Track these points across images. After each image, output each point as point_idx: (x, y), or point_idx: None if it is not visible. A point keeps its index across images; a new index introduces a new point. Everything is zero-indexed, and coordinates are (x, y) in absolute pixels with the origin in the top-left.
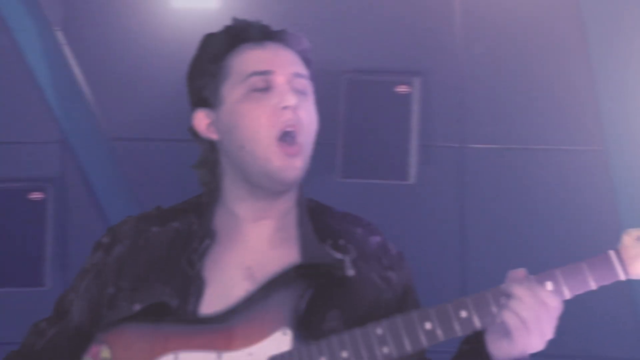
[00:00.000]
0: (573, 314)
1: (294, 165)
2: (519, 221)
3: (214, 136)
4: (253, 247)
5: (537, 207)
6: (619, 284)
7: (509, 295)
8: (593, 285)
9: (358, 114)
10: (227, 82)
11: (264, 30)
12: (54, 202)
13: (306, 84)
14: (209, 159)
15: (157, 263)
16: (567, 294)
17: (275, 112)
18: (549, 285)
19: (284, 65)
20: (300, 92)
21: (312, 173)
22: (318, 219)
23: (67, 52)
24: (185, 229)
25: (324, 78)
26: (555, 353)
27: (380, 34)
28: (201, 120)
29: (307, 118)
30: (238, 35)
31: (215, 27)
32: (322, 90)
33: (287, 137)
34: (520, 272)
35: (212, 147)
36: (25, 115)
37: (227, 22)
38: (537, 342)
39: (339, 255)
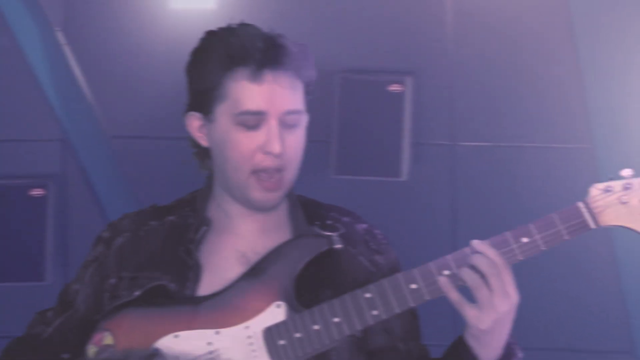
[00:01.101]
0: (562, 307)
1: (271, 197)
2: (509, 217)
3: (203, 142)
4: (246, 236)
5: (526, 203)
6: (607, 277)
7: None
8: (566, 236)
9: (352, 113)
10: (223, 105)
11: (264, 57)
12: (54, 199)
13: (298, 119)
14: (200, 152)
15: (155, 253)
16: (543, 247)
17: (259, 151)
18: (525, 240)
19: (278, 105)
20: (291, 127)
21: (306, 170)
22: (307, 208)
23: (68, 52)
24: (182, 222)
25: (319, 77)
26: (544, 346)
27: (374, 35)
28: (194, 122)
29: (292, 152)
30: (236, 57)
31: (213, 27)
32: (316, 89)
33: (268, 171)
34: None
35: (203, 148)
36: (26, 113)
37: (225, 23)
38: (502, 303)
39: (327, 233)
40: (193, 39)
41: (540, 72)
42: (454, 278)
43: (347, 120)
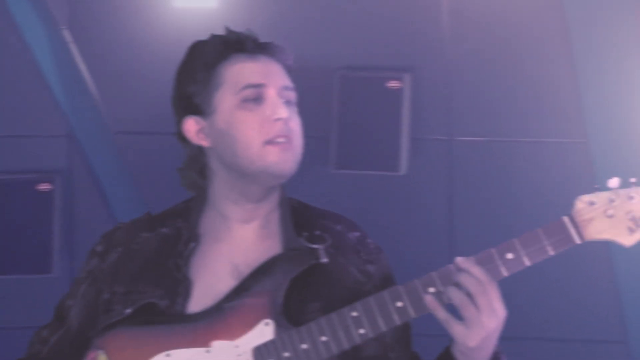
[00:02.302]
0: (556, 297)
1: (288, 158)
2: (505, 210)
3: (204, 143)
4: (239, 246)
5: (522, 196)
6: (601, 266)
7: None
8: (551, 252)
9: (351, 109)
10: (220, 91)
11: (256, 43)
12: (61, 193)
13: (293, 96)
14: (197, 162)
15: (147, 267)
16: (527, 262)
17: (267, 123)
18: (509, 256)
19: (275, 79)
20: (289, 103)
21: (307, 164)
22: (299, 216)
23: (73, 49)
24: (174, 234)
25: (318, 74)
26: (538, 336)
27: (372, 33)
28: (191, 126)
29: (296, 127)
30: (231, 45)
31: (215, 25)
32: (316, 86)
33: (277, 139)
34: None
35: (200, 152)
36: (33, 110)
37: (227, 21)
38: (490, 321)
39: (313, 246)
40: (195, 36)
41: (535, 69)
42: (440, 296)
43: (346, 116)
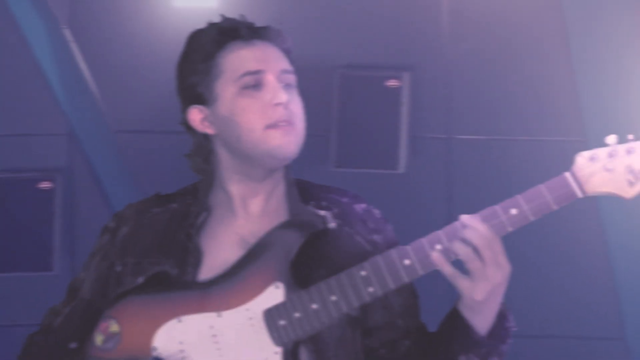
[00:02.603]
0: (554, 294)
1: (290, 141)
2: None
3: (209, 130)
4: (246, 219)
5: (519, 194)
6: (600, 263)
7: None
8: (554, 206)
9: (351, 107)
10: (220, 80)
11: (252, 29)
12: (61, 191)
13: (293, 79)
14: (203, 149)
15: (157, 239)
16: (531, 217)
17: (268, 108)
18: (514, 211)
19: (273, 63)
20: (289, 86)
21: (307, 162)
22: (304, 189)
23: (74, 49)
24: (183, 208)
25: (319, 73)
26: (536, 334)
27: (372, 32)
28: (195, 115)
29: (297, 109)
30: (227, 33)
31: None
32: (316, 84)
33: (279, 125)
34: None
35: (206, 139)
36: (34, 109)
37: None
38: (495, 274)
39: (321, 212)
40: None
41: (534, 68)
42: (447, 252)
43: (346, 115)
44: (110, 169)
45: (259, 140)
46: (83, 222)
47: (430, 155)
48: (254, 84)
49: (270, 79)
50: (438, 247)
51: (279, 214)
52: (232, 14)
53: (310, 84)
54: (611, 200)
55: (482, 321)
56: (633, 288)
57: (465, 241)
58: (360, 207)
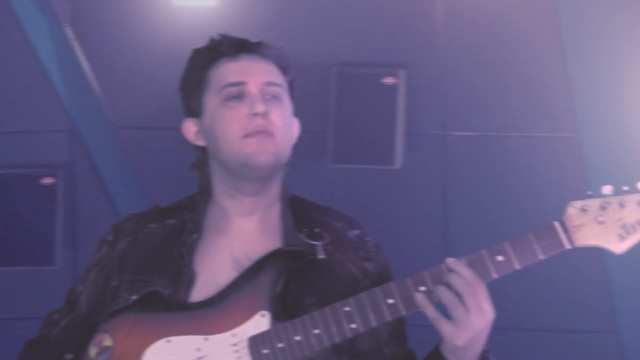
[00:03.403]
0: (547, 288)
1: (265, 149)
2: (498, 203)
3: (200, 143)
4: (240, 239)
5: (513, 189)
6: (592, 258)
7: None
8: (541, 256)
9: (347, 104)
10: (207, 93)
11: (239, 44)
12: (63, 187)
13: (279, 91)
14: (201, 161)
15: (153, 256)
16: (517, 265)
17: (246, 118)
18: (500, 258)
19: (256, 76)
20: (273, 99)
21: (305, 159)
22: (300, 211)
23: (76, 47)
24: (180, 225)
25: (316, 71)
26: (530, 327)
27: (368, 30)
28: (189, 128)
29: (279, 121)
30: (217, 49)
31: (214, 23)
32: (313, 82)
33: (255, 133)
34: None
35: (202, 151)
36: (37, 106)
37: (226, 19)
38: (478, 321)
39: (312, 242)
40: (195, 34)
41: (527, 65)
42: (430, 294)
43: (343, 112)
44: (112, 164)
45: (234, 149)
46: (85, 217)
47: (425, 151)
48: (236, 94)
49: (251, 90)
50: (422, 288)
51: (274, 237)
52: (232, 13)
53: (307, 81)
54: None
55: None
56: (626, 282)
57: (449, 286)
58: (353, 233)
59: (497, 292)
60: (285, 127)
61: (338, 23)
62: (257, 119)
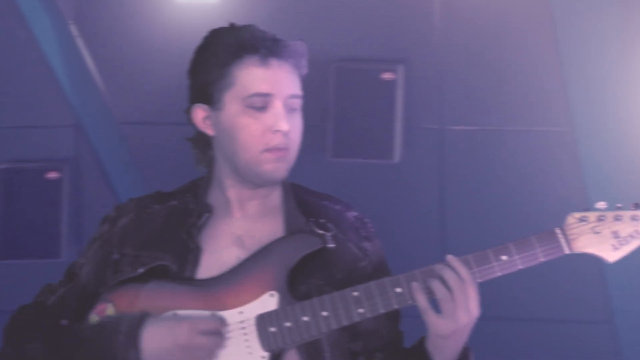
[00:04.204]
0: (542, 278)
1: (282, 168)
2: (494, 196)
3: (209, 131)
4: (241, 220)
5: (509, 183)
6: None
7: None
8: (541, 258)
9: (347, 99)
10: (230, 92)
11: (270, 47)
12: (68, 181)
13: (299, 103)
14: (201, 143)
15: (157, 234)
16: (520, 265)
17: (268, 132)
18: (504, 257)
19: (283, 89)
20: (293, 110)
21: (305, 152)
22: (300, 196)
23: (80, 43)
24: (183, 206)
25: (315, 67)
26: (524, 317)
27: (367, 27)
28: (199, 114)
29: (296, 136)
30: (246, 46)
31: (216, 20)
32: (313, 77)
33: (275, 149)
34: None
35: (204, 136)
36: (42, 101)
37: (227, 14)
38: (462, 316)
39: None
40: (196, 30)
41: (523, 60)
42: (428, 288)
43: (342, 106)
44: (116, 159)
45: (252, 161)
46: (89, 211)
47: (423, 145)
48: (260, 105)
49: (276, 104)
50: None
51: (275, 218)
52: (233, 8)
53: (307, 77)
54: (597, 183)
55: (443, 358)
56: (620, 271)
57: (443, 281)
58: (352, 215)
59: (493, 283)
60: (298, 138)
61: (338, 20)
62: (279, 135)
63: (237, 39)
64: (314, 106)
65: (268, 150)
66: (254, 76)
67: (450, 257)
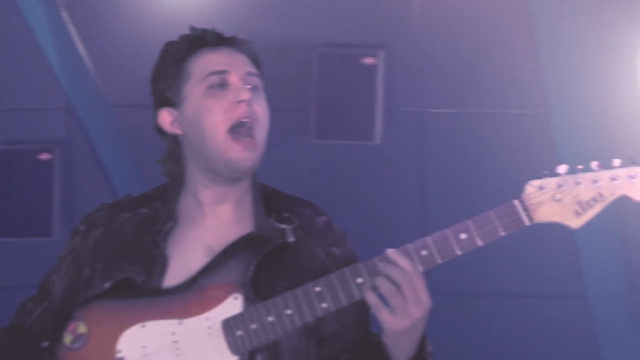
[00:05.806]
0: (515, 254)
1: (249, 157)
2: (472, 176)
3: (177, 131)
4: (213, 227)
5: (487, 164)
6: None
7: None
8: (502, 232)
9: (329, 83)
10: (189, 83)
11: (218, 37)
12: (60, 162)
13: (258, 82)
14: (174, 152)
15: (126, 245)
16: (480, 242)
17: (231, 106)
18: (463, 236)
19: (237, 66)
20: (253, 88)
21: (289, 134)
22: (270, 200)
23: (71, 29)
24: (152, 214)
25: (298, 51)
26: (498, 292)
27: (349, 12)
28: (165, 118)
29: (260, 111)
30: (197, 41)
31: (204, 4)
32: (297, 62)
33: (242, 129)
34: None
35: (175, 142)
36: (34, 85)
37: (213, 2)
38: (415, 310)
39: (282, 226)
40: (187, 14)
41: (500, 45)
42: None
43: (324, 90)
44: (107, 140)
45: (220, 148)
46: (81, 191)
47: (404, 128)
48: (219, 83)
49: (234, 79)
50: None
51: (246, 225)
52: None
53: (290, 61)
54: (571, 159)
55: (401, 352)
56: (592, 246)
57: (388, 277)
58: (321, 220)
59: (465, 259)
60: (264, 117)
61: (320, 7)
62: (242, 106)
63: (189, 39)
64: (297, 90)
65: (232, 130)
66: (208, 60)
67: (390, 251)
